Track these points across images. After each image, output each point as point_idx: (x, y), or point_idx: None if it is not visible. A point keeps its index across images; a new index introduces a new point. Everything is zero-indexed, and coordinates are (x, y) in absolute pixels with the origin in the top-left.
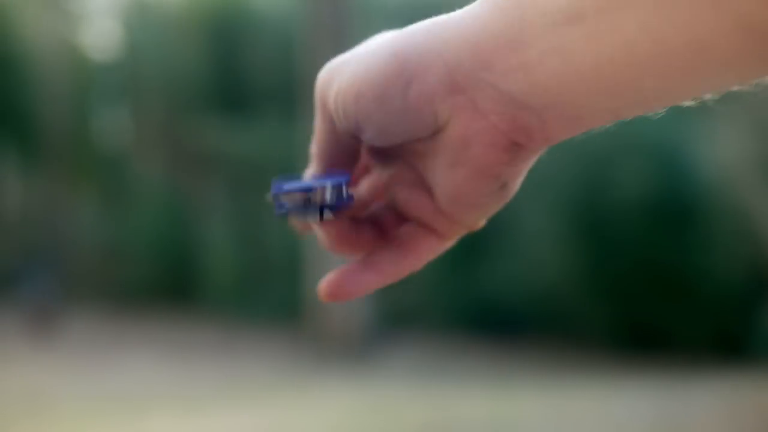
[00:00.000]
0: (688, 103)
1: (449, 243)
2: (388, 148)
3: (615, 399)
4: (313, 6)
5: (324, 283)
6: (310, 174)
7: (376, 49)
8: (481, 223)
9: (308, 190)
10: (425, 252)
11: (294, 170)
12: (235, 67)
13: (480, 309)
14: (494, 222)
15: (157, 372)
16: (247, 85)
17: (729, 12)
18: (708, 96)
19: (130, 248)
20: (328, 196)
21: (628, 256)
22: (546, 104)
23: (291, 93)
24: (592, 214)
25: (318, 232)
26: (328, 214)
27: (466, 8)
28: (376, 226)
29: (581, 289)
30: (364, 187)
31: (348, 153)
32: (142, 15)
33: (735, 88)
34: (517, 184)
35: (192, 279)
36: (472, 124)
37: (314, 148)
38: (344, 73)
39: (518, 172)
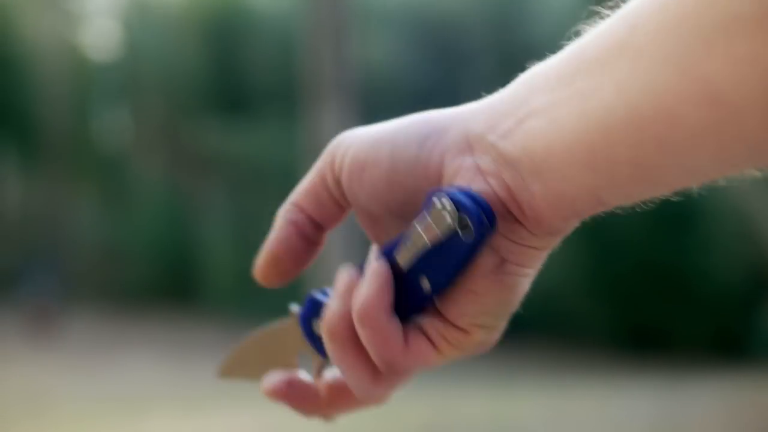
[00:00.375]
0: (671, 196)
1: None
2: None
3: (615, 399)
4: (313, 6)
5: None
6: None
7: (404, 120)
8: (479, 335)
9: None
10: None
11: (294, 171)
12: (235, 67)
13: None
14: None
15: (157, 372)
16: (246, 85)
17: (695, 79)
18: (692, 185)
19: (130, 248)
20: None
21: (629, 256)
22: (531, 170)
23: (291, 93)
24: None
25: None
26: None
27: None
28: None
29: (581, 290)
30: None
31: (330, 219)
32: (142, 15)
33: (721, 176)
34: (520, 276)
35: (192, 279)
36: (473, 184)
37: (297, 203)
38: (367, 132)
39: (517, 252)
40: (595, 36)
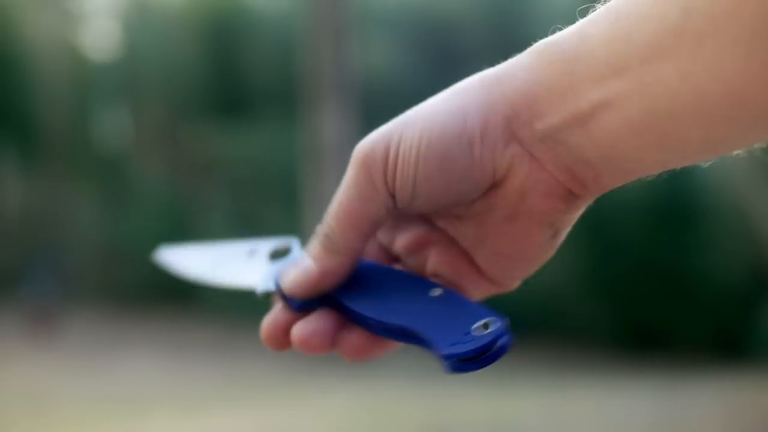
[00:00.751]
0: (737, 153)
1: None
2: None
3: (615, 399)
4: (313, 7)
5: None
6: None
7: (435, 107)
8: (518, 282)
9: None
10: None
11: (293, 171)
12: (235, 67)
13: None
14: None
15: (157, 372)
16: (246, 86)
17: (763, 60)
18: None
19: (130, 248)
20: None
21: (629, 256)
22: (599, 157)
23: (291, 94)
24: (593, 214)
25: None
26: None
27: (515, 60)
28: None
29: (582, 289)
30: (374, 250)
31: (375, 224)
32: (142, 15)
33: None
34: (565, 233)
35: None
36: (531, 174)
37: (341, 219)
38: (403, 138)
39: (570, 220)
40: (638, 20)
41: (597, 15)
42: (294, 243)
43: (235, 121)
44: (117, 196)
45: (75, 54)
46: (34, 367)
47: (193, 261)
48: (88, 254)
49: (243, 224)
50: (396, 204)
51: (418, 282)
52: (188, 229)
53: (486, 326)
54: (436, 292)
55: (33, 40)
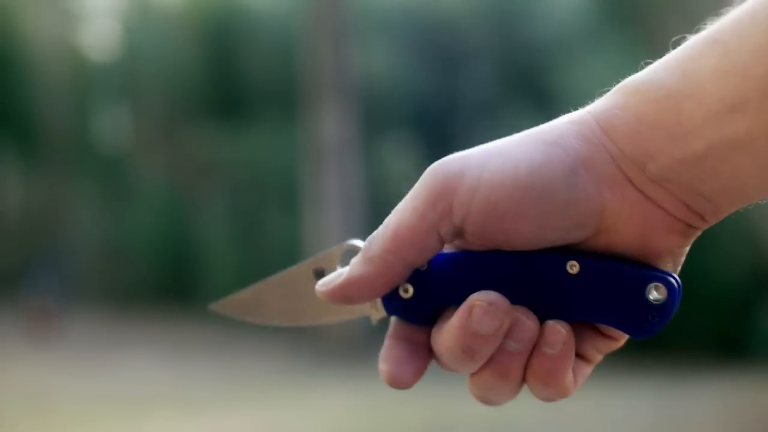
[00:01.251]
0: None
1: (593, 365)
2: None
3: (615, 399)
4: (313, 9)
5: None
6: None
7: (523, 140)
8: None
9: None
10: (576, 380)
11: (293, 172)
12: (235, 68)
13: None
14: None
15: (157, 372)
16: (246, 87)
17: None
18: None
19: (130, 248)
20: None
21: None
22: (717, 190)
23: (290, 95)
24: None
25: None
26: None
27: (605, 100)
28: None
29: None
30: None
31: (420, 244)
32: (142, 15)
33: None
34: (681, 264)
35: (192, 279)
36: (648, 215)
37: (386, 227)
38: (485, 164)
39: (686, 251)
40: (753, 52)
41: (696, 50)
42: (358, 245)
43: (235, 122)
44: (117, 196)
45: (75, 54)
46: (34, 367)
47: (261, 307)
48: (88, 254)
49: (243, 225)
50: (462, 234)
51: (549, 256)
52: (188, 229)
53: (657, 289)
54: (574, 268)
55: (33, 40)
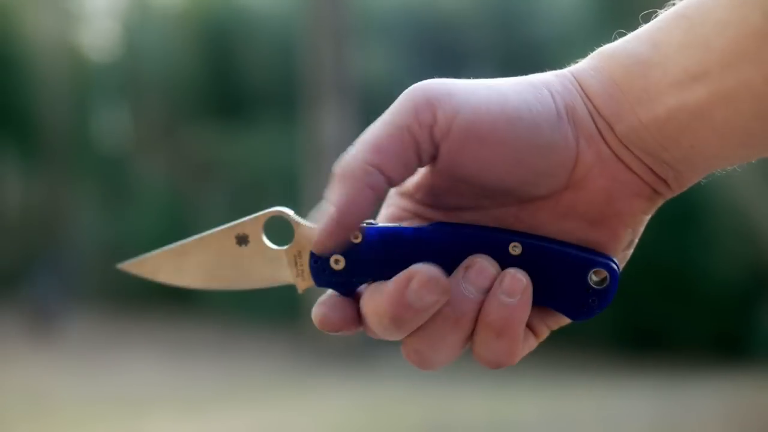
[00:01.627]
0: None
1: (540, 339)
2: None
3: (615, 399)
4: (312, 9)
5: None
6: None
7: (513, 80)
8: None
9: None
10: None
11: (293, 173)
12: (235, 68)
13: None
14: None
15: (157, 372)
16: (246, 87)
17: None
18: None
19: (130, 248)
20: None
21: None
22: (680, 158)
23: (290, 95)
24: None
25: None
26: None
27: (582, 63)
28: None
29: None
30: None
31: (402, 158)
32: (142, 16)
33: None
34: (636, 241)
35: None
36: (618, 175)
37: (365, 141)
38: (474, 90)
39: (644, 223)
40: (715, 26)
41: (665, 23)
42: (284, 214)
43: (235, 122)
44: (117, 196)
45: (75, 54)
46: (34, 367)
47: (178, 268)
48: (88, 254)
49: None
50: (435, 158)
51: (492, 236)
52: (188, 230)
53: (598, 275)
54: (516, 249)
55: (33, 40)
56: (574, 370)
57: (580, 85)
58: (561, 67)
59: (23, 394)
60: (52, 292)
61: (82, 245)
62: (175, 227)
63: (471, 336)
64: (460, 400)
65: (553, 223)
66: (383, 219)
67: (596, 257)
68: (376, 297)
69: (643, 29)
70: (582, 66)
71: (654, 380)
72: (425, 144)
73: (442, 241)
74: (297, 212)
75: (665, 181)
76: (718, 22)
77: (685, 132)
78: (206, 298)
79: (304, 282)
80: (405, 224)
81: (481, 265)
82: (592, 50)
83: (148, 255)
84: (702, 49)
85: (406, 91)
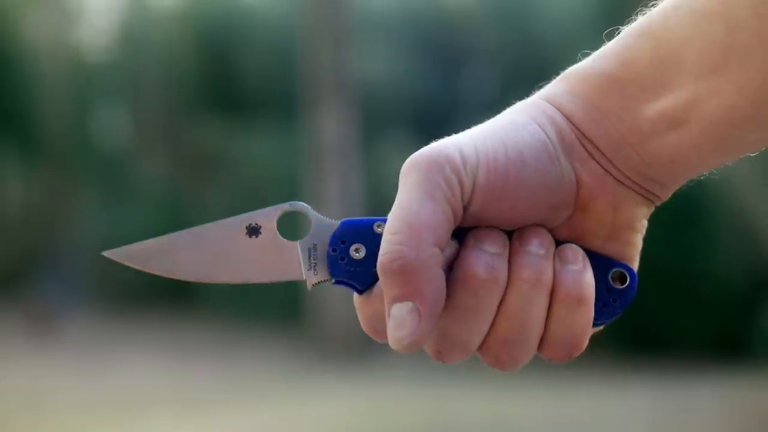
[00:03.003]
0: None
1: None
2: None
3: (615, 399)
4: (313, 9)
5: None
6: None
7: (500, 123)
8: None
9: None
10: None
11: (293, 173)
12: (235, 69)
13: None
14: None
15: (157, 372)
16: (246, 87)
17: None
18: None
19: None
20: None
21: None
22: (661, 172)
23: (290, 96)
24: None
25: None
26: None
27: (552, 87)
28: None
29: None
30: None
31: (447, 228)
32: (141, 15)
33: None
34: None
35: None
36: (615, 189)
37: (411, 228)
38: (475, 145)
39: (645, 225)
40: (682, 42)
41: (632, 40)
42: (303, 207)
43: (235, 122)
44: (117, 195)
45: (74, 54)
46: (34, 367)
47: (173, 258)
48: (89, 254)
49: None
50: (467, 213)
51: None
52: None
53: (620, 276)
54: None
55: (32, 40)
56: (574, 370)
57: (561, 112)
58: (562, 67)
59: (23, 394)
60: (52, 292)
61: (82, 245)
62: (176, 227)
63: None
64: (460, 400)
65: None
66: None
67: (615, 261)
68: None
69: (609, 48)
70: (556, 91)
71: (654, 380)
72: (458, 209)
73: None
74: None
75: (653, 192)
76: (683, 37)
77: (664, 146)
78: (207, 298)
79: (315, 276)
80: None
81: (534, 229)
82: (593, 50)
83: (138, 243)
84: (672, 64)
85: (416, 162)
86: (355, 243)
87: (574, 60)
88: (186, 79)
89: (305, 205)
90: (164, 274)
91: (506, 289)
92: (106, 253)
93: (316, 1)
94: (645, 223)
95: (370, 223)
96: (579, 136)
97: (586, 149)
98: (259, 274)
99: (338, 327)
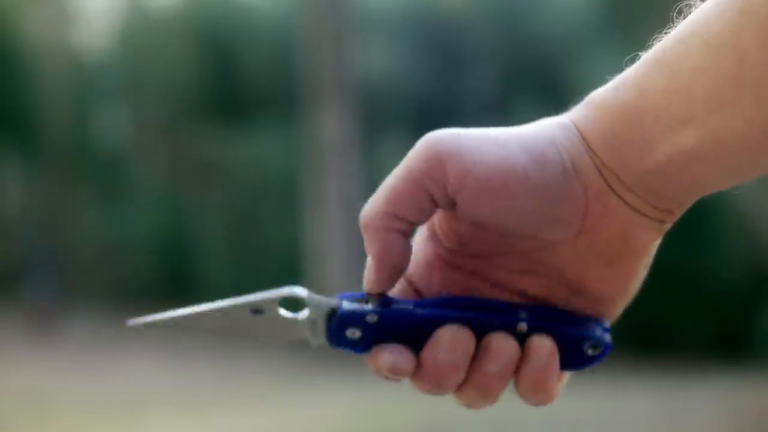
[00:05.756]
0: None
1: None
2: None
3: (616, 399)
4: (313, 9)
5: None
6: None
7: (518, 133)
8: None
9: None
10: (560, 384)
11: (294, 173)
12: (235, 68)
13: None
14: None
15: (157, 372)
16: (246, 87)
17: None
18: None
19: (129, 248)
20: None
21: None
22: (680, 194)
23: (291, 95)
24: None
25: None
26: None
27: (581, 110)
28: None
29: None
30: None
31: (416, 209)
32: (141, 15)
33: None
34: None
35: (191, 279)
36: (630, 218)
37: (378, 195)
38: (481, 148)
39: (655, 248)
40: (693, 74)
41: (648, 69)
42: (300, 292)
43: (235, 122)
44: (117, 196)
45: (74, 54)
46: (34, 367)
47: (189, 328)
48: (88, 254)
49: (243, 225)
50: (457, 207)
51: (501, 310)
52: (187, 230)
53: (593, 347)
54: (522, 326)
55: (32, 40)
56: None
57: (583, 137)
58: (563, 67)
59: (23, 394)
60: (52, 291)
61: (81, 245)
62: (175, 227)
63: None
64: None
65: (573, 264)
66: (413, 265)
67: (592, 332)
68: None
69: (628, 74)
70: (580, 115)
71: (655, 380)
72: (439, 196)
73: (455, 319)
74: (298, 214)
75: (670, 211)
76: (695, 69)
77: (683, 172)
78: (206, 298)
79: (318, 341)
80: (426, 286)
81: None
82: (594, 48)
83: (159, 316)
84: (685, 96)
85: (419, 142)
86: (349, 328)
87: (574, 60)
88: (186, 79)
89: (303, 290)
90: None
91: (468, 373)
92: (131, 323)
93: (316, 0)
94: (654, 248)
95: (363, 315)
96: (599, 166)
97: (605, 179)
98: (267, 341)
99: None
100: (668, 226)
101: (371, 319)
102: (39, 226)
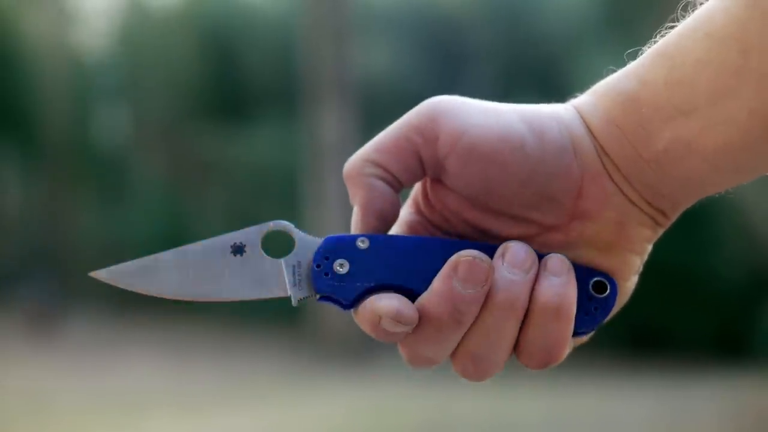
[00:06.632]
0: None
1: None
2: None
3: (615, 399)
4: (313, 7)
5: None
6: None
7: (521, 107)
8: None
9: None
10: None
11: (294, 172)
12: (235, 67)
13: None
14: None
15: (156, 372)
16: (246, 86)
17: None
18: None
19: (129, 248)
20: None
21: None
22: (675, 189)
23: (291, 94)
24: None
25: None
26: None
27: (585, 97)
28: None
29: None
30: None
31: (403, 164)
32: (141, 15)
33: None
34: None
35: None
36: (624, 208)
37: (369, 144)
38: (479, 116)
39: (648, 250)
40: (696, 65)
41: (650, 61)
42: (286, 226)
43: (235, 121)
44: (117, 196)
45: (74, 54)
46: (34, 367)
47: (158, 277)
48: (88, 254)
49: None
50: (446, 174)
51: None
52: (188, 230)
53: (600, 285)
54: None
55: (32, 40)
56: (574, 370)
57: (586, 124)
58: (563, 66)
59: (23, 394)
60: (52, 291)
61: (81, 245)
62: (176, 227)
63: (522, 330)
64: (460, 400)
65: (566, 251)
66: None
67: (595, 270)
68: (424, 302)
69: (631, 66)
70: (584, 101)
71: (654, 380)
72: (427, 155)
73: (446, 250)
74: (298, 213)
75: (662, 212)
76: (698, 61)
77: (679, 165)
78: None
79: (300, 292)
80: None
81: (516, 247)
82: (594, 48)
83: (124, 263)
84: (687, 87)
85: (419, 106)
86: (338, 258)
87: (574, 59)
88: (186, 78)
89: (288, 224)
90: (150, 294)
91: (481, 307)
92: (92, 274)
93: (317, 0)
94: (647, 248)
95: (353, 240)
96: (599, 151)
97: (603, 164)
98: (244, 292)
99: (337, 327)
100: (662, 229)
101: (362, 244)
102: (39, 227)
